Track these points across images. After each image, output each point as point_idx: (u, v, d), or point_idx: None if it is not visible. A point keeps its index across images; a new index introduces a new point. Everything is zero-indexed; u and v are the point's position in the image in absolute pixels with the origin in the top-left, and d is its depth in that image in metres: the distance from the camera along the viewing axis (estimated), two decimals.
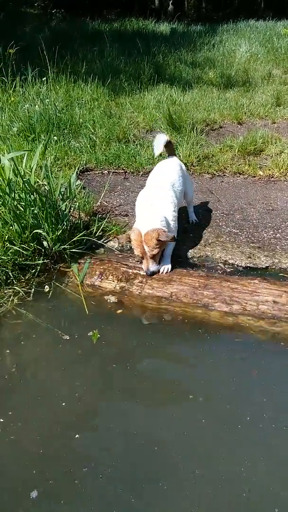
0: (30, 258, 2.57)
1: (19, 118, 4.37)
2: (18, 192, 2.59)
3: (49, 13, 13.47)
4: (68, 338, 2.17)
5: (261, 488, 1.56)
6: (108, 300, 2.40)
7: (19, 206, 2.58)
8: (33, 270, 2.56)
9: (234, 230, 3.04)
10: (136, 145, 4.23)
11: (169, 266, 2.51)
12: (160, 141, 2.96)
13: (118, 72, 6.21)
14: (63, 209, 2.73)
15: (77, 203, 3.07)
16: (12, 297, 2.41)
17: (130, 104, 5.20)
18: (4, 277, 2.48)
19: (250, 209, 3.34)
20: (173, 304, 2.35)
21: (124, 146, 4.16)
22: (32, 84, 5.14)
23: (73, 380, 1.96)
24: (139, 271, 2.50)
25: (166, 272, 2.48)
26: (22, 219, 2.55)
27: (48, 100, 4.75)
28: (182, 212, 2.92)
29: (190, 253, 2.78)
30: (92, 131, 4.41)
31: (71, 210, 2.93)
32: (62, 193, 2.81)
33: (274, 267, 2.66)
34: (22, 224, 2.54)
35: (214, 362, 2.10)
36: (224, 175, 3.91)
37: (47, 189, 2.77)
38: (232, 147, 4.18)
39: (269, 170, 3.89)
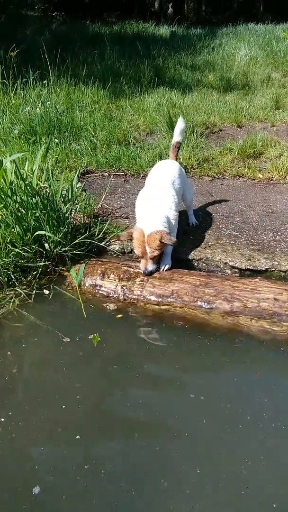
0: (32, 260, 2.59)
1: (20, 121, 4.40)
2: (20, 195, 2.61)
3: (50, 16, 13.53)
4: (68, 340, 2.18)
5: (260, 485, 1.58)
6: (111, 304, 2.42)
7: (20, 208, 2.60)
8: (35, 272, 2.58)
9: (234, 233, 3.06)
10: (137, 147, 4.26)
11: (169, 265, 2.53)
12: (180, 126, 3.03)
13: (118, 75, 6.25)
14: (65, 211, 2.76)
15: (78, 206, 3.09)
16: (13, 298, 2.43)
17: (131, 107, 5.23)
18: (6, 279, 2.50)
19: (250, 211, 3.36)
20: (174, 304, 2.37)
21: (125, 149, 4.19)
22: (33, 86, 5.17)
23: (74, 381, 1.98)
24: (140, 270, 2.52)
25: (167, 270, 2.51)
26: (24, 222, 2.57)
27: (49, 102, 4.78)
28: (182, 215, 2.94)
29: (190, 255, 2.81)
30: (93, 133, 4.44)
31: (73, 213, 2.95)
32: (64, 195, 2.84)
33: (273, 269, 2.68)
34: (24, 227, 2.56)
35: (215, 362, 2.12)
36: (224, 178, 3.93)
37: (48, 191, 2.80)
38: (231, 150, 4.21)
39: (269, 173, 3.92)
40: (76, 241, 2.67)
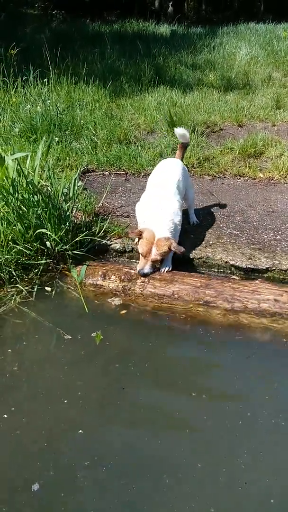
0: (33, 258, 2.60)
1: (20, 119, 4.40)
2: (21, 192, 2.61)
3: (50, 14, 13.50)
4: (70, 337, 2.19)
5: (259, 481, 1.59)
6: (113, 303, 2.43)
7: (22, 206, 2.60)
8: (36, 270, 2.58)
9: (234, 232, 3.07)
10: (137, 146, 4.26)
11: (170, 267, 2.55)
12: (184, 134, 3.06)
13: (118, 74, 6.24)
14: (66, 209, 2.76)
15: (79, 204, 3.10)
16: (15, 296, 2.43)
17: (131, 106, 5.23)
18: (8, 276, 2.50)
19: (251, 211, 3.37)
20: (175, 303, 2.37)
21: (125, 148, 4.19)
22: (33, 85, 5.17)
23: (75, 379, 1.98)
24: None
25: (167, 272, 2.52)
26: (25, 219, 2.57)
27: (49, 101, 4.77)
28: (182, 214, 2.95)
29: (191, 254, 2.81)
30: (93, 132, 4.44)
31: (74, 211, 2.95)
32: (65, 194, 2.84)
33: (274, 268, 2.69)
34: (25, 224, 2.57)
35: (217, 359, 2.13)
36: (224, 177, 3.94)
37: (49, 189, 2.80)
38: (232, 149, 4.22)
39: (269, 172, 3.92)
40: (77, 239, 2.68)
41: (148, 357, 2.14)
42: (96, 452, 1.69)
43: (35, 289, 2.49)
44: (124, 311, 2.39)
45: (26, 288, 2.47)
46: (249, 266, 2.70)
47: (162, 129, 4.63)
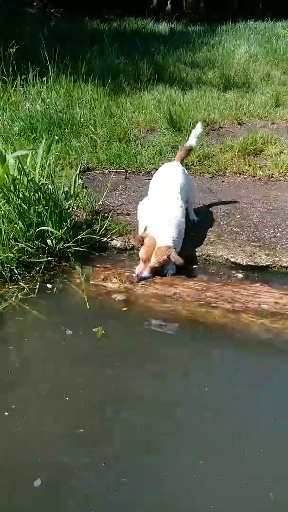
0: (35, 256, 2.60)
1: (20, 118, 4.39)
2: (22, 191, 2.62)
3: (48, 13, 13.46)
4: (71, 334, 2.20)
5: (258, 477, 1.60)
6: (116, 298, 2.44)
7: (23, 204, 2.61)
8: (37, 268, 2.59)
9: (235, 229, 3.08)
10: (137, 144, 4.26)
11: (173, 271, 2.58)
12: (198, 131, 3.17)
13: (118, 72, 6.23)
14: (67, 207, 2.77)
15: (80, 202, 3.10)
16: (16, 293, 2.44)
17: (130, 104, 5.23)
18: (9, 274, 2.51)
19: (251, 208, 3.38)
20: (176, 303, 2.38)
21: (125, 146, 4.19)
22: (32, 83, 5.16)
23: (77, 375, 1.99)
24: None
25: (170, 275, 2.55)
26: (27, 217, 2.58)
27: (49, 99, 4.77)
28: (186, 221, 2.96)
29: (192, 251, 2.82)
30: (93, 130, 4.44)
31: (74, 209, 2.96)
32: (66, 192, 2.84)
33: (274, 265, 2.70)
34: (27, 222, 2.57)
35: (218, 356, 2.14)
36: (224, 175, 3.94)
37: (50, 187, 2.80)
38: (232, 147, 4.22)
39: (269, 170, 3.93)
40: (78, 237, 2.69)
41: (150, 352, 2.15)
42: (97, 448, 1.70)
43: (37, 286, 2.49)
44: (129, 303, 2.40)
45: (28, 286, 2.48)
46: (249, 263, 2.71)
47: (162, 127, 4.63)
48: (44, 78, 5.26)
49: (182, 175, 2.90)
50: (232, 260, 2.74)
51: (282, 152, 4.14)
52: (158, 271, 2.52)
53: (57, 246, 2.64)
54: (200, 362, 2.14)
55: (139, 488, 1.56)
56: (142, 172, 3.89)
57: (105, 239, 2.86)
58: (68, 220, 2.71)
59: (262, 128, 4.75)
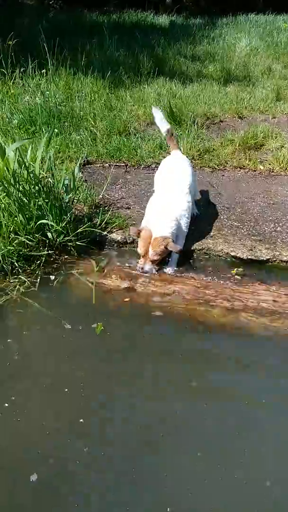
0: (35, 249, 2.60)
1: (19, 111, 4.36)
2: (22, 184, 2.60)
3: (47, 4, 13.31)
4: (71, 327, 2.20)
5: (257, 478, 1.60)
6: (120, 286, 2.44)
7: (23, 197, 2.60)
8: (38, 261, 2.59)
9: (235, 223, 3.07)
10: (137, 138, 4.24)
11: (174, 269, 2.59)
12: (158, 115, 3.12)
13: (117, 65, 6.18)
14: (67, 201, 2.76)
15: (80, 196, 3.09)
16: (17, 286, 2.44)
17: (130, 97, 5.19)
18: (10, 267, 2.51)
19: (251, 202, 3.37)
20: (175, 301, 2.39)
21: (125, 139, 4.16)
22: (31, 76, 5.11)
23: (77, 369, 2.00)
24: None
25: (170, 273, 2.56)
26: (27, 210, 2.57)
27: (48, 92, 4.73)
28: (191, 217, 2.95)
29: (193, 245, 2.82)
30: (93, 124, 4.41)
31: (74, 203, 2.95)
32: (66, 185, 2.83)
33: (275, 259, 2.71)
34: (27, 216, 2.57)
35: (217, 354, 2.14)
36: (225, 169, 3.93)
37: (50, 181, 2.79)
38: (232, 141, 4.20)
39: (270, 164, 3.92)
40: (78, 230, 2.68)
41: (148, 349, 2.15)
42: (96, 442, 1.70)
43: (38, 280, 2.49)
44: (130, 294, 2.40)
45: (28, 279, 2.48)
46: (250, 257, 2.72)
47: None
48: (43, 71, 5.21)
49: (190, 171, 2.88)
50: (233, 254, 2.74)
51: (282, 146, 4.12)
52: (159, 262, 2.51)
53: (58, 240, 2.63)
54: (200, 360, 2.13)
55: (138, 485, 1.56)
56: (142, 165, 3.88)
57: (105, 233, 2.85)
58: (68, 214, 2.70)
59: (262, 122, 4.73)
